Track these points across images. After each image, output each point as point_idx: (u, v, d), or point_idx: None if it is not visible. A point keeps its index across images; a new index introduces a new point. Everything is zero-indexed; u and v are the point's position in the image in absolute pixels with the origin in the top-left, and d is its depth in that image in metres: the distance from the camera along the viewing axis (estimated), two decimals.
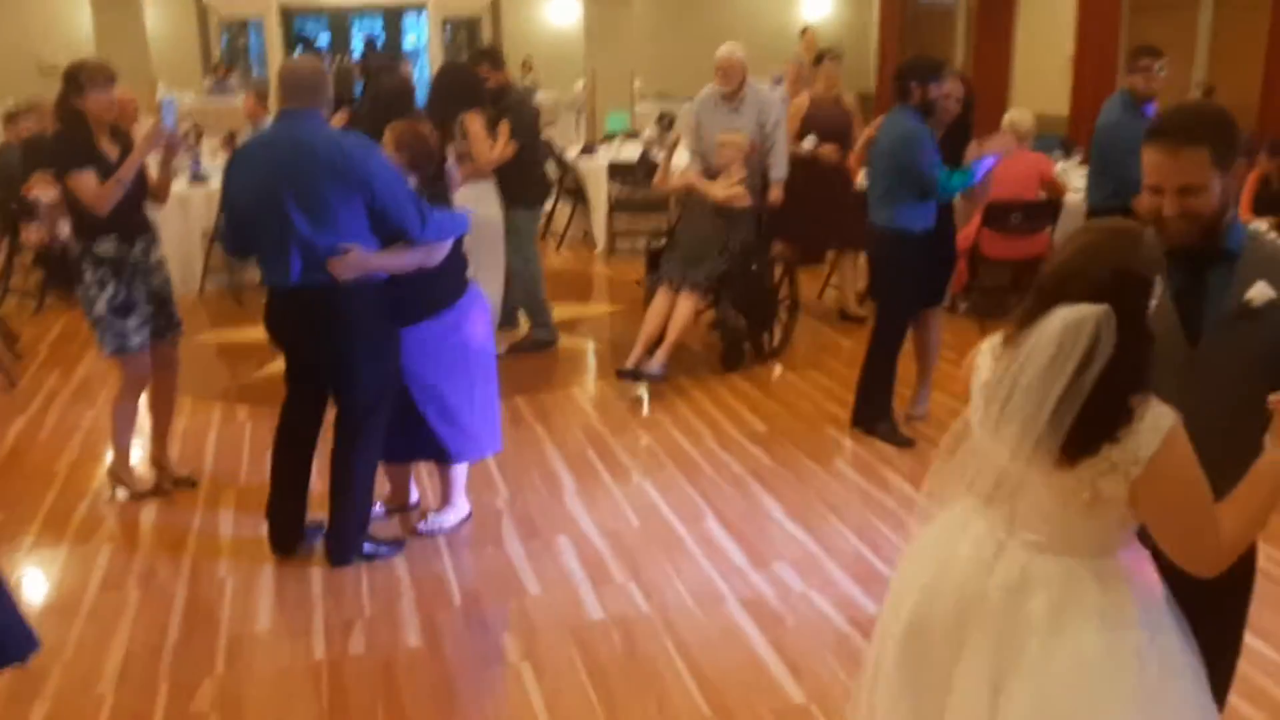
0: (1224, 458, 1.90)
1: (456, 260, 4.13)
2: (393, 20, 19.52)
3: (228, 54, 14.86)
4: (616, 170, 8.75)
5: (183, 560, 4.22)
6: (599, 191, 9.05)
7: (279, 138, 3.89)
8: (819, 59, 7.70)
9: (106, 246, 4.42)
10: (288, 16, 17.09)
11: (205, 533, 4.44)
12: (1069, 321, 1.83)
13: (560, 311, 7.41)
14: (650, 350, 5.87)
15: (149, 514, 4.60)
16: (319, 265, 3.79)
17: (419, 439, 4.19)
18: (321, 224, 3.76)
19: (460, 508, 4.43)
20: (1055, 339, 1.84)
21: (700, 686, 3.38)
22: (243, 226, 3.96)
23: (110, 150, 4.39)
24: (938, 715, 2.06)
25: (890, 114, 5.18)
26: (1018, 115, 7.14)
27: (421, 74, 17.16)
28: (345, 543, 4.10)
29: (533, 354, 6.56)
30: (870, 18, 14.70)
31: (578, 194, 9.50)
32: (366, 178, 3.74)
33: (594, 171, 9.10)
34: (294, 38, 16.05)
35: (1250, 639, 3.51)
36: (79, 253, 4.46)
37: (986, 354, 2.05)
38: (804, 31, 10.84)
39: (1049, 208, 6.96)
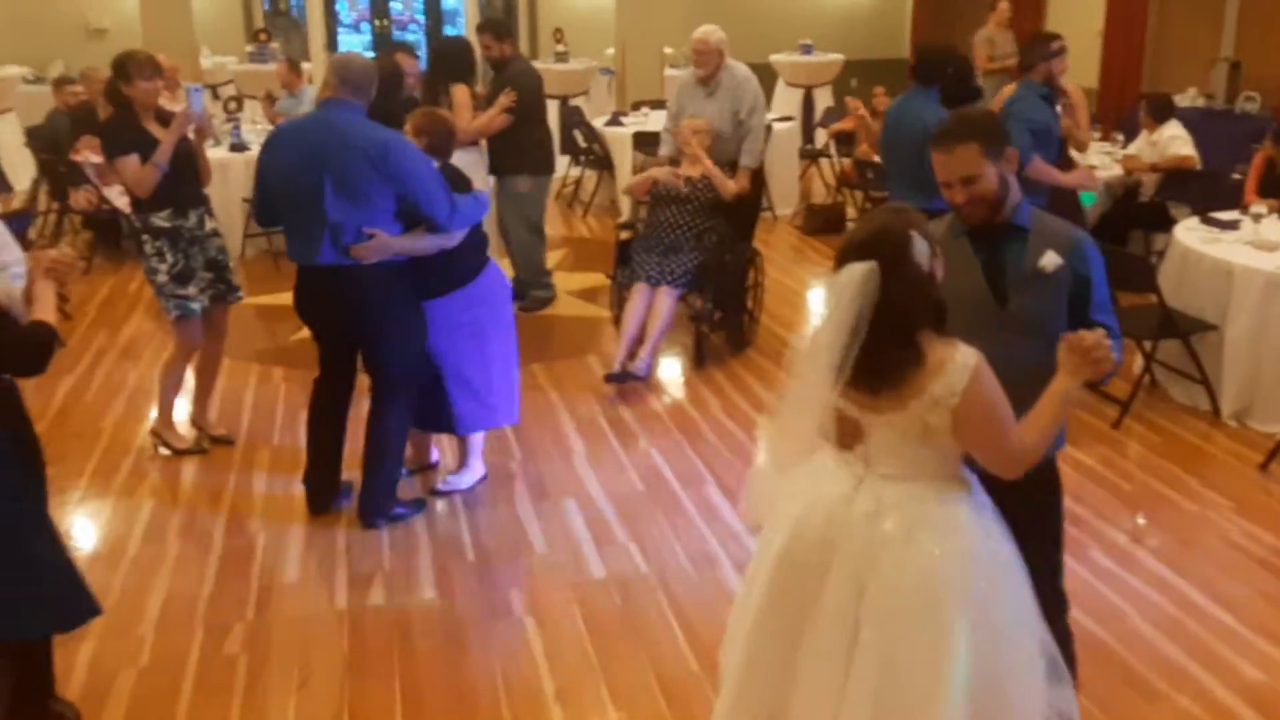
0: (1031, 392, 2.38)
1: (475, 239, 4.37)
2: None
3: (270, 20, 15.09)
4: (642, 139, 8.92)
5: (219, 515, 4.54)
6: (624, 160, 9.25)
7: (320, 124, 4.12)
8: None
9: (162, 218, 4.75)
10: None
11: (240, 489, 4.75)
12: (841, 278, 2.25)
13: (582, 280, 7.68)
14: (633, 351, 5.75)
15: (189, 471, 4.93)
16: (345, 247, 4.04)
17: (442, 410, 4.46)
18: (353, 209, 4.00)
19: (476, 469, 4.70)
20: (835, 293, 2.25)
21: (690, 643, 3.65)
22: (273, 202, 4.24)
23: (158, 132, 4.72)
24: (800, 629, 2.42)
25: (916, 96, 5.33)
26: None
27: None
28: (375, 507, 4.39)
29: (534, 312, 6.90)
30: None
31: (604, 162, 9.70)
32: (402, 172, 3.99)
33: (619, 140, 9.29)
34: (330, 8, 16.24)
35: (1214, 608, 3.75)
36: (138, 226, 4.81)
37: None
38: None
39: None
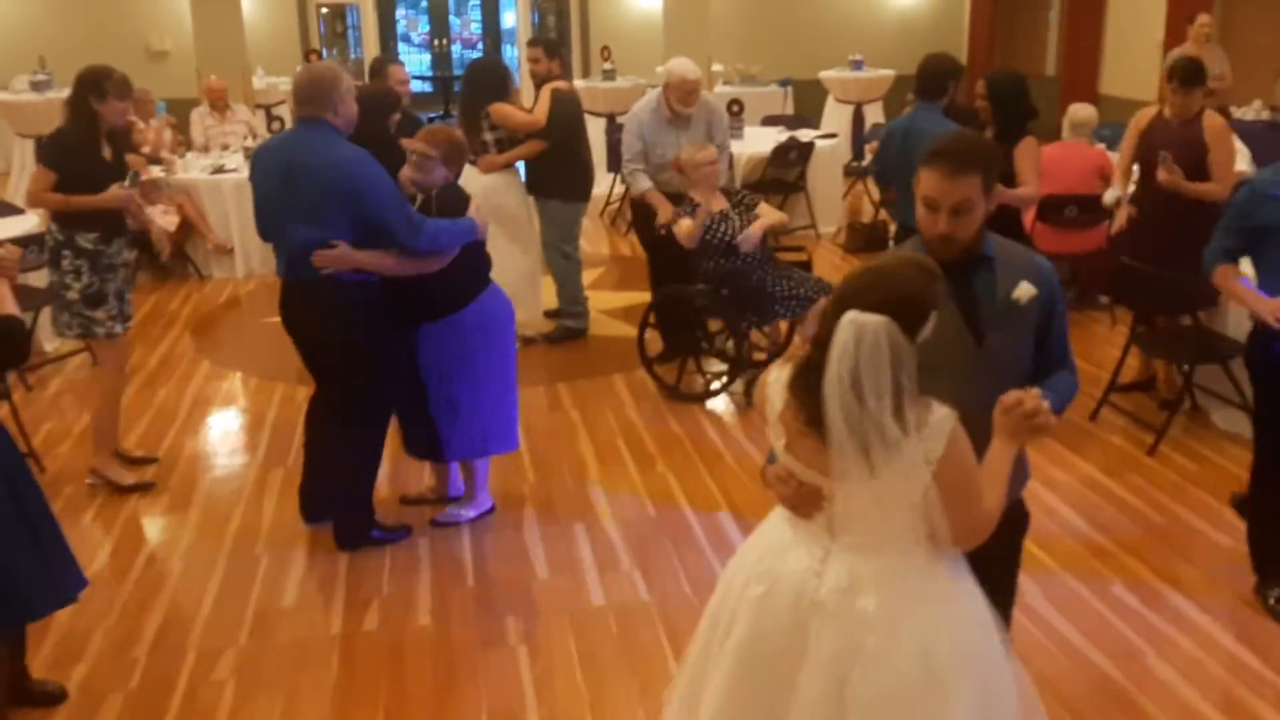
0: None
1: (471, 263, 4.27)
2: (490, 3, 19.85)
3: (326, 39, 15.31)
4: None
5: (225, 536, 4.53)
6: None
7: (287, 141, 4.18)
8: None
9: (88, 240, 4.66)
10: (387, 1, 17.51)
11: (249, 511, 4.74)
12: (860, 326, 2.02)
13: (621, 299, 7.62)
14: None
15: (201, 492, 4.93)
16: (308, 262, 4.00)
17: (432, 436, 4.39)
18: (312, 227, 3.96)
19: (481, 502, 4.60)
20: (851, 342, 2.02)
21: None
22: (258, 217, 4.26)
23: (106, 152, 4.75)
24: (783, 717, 2.22)
25: (925, 112, 5.20)
26: (1076, 109, 7.06)
27: (510, 58, 17.47)
28: (347, 529, 4.36)
29: (564, 342, 6.77)
30: (962, 2, 14.48)
31: None
32: (355, 190, 3.93)
33: None
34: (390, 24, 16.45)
35: (1239, 649, 3.56)
36: (60, 239, 4.69)
37: (776, 385, 2.25)
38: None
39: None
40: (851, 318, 2.03)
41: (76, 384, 6.28)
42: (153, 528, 4.62)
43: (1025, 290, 2.48)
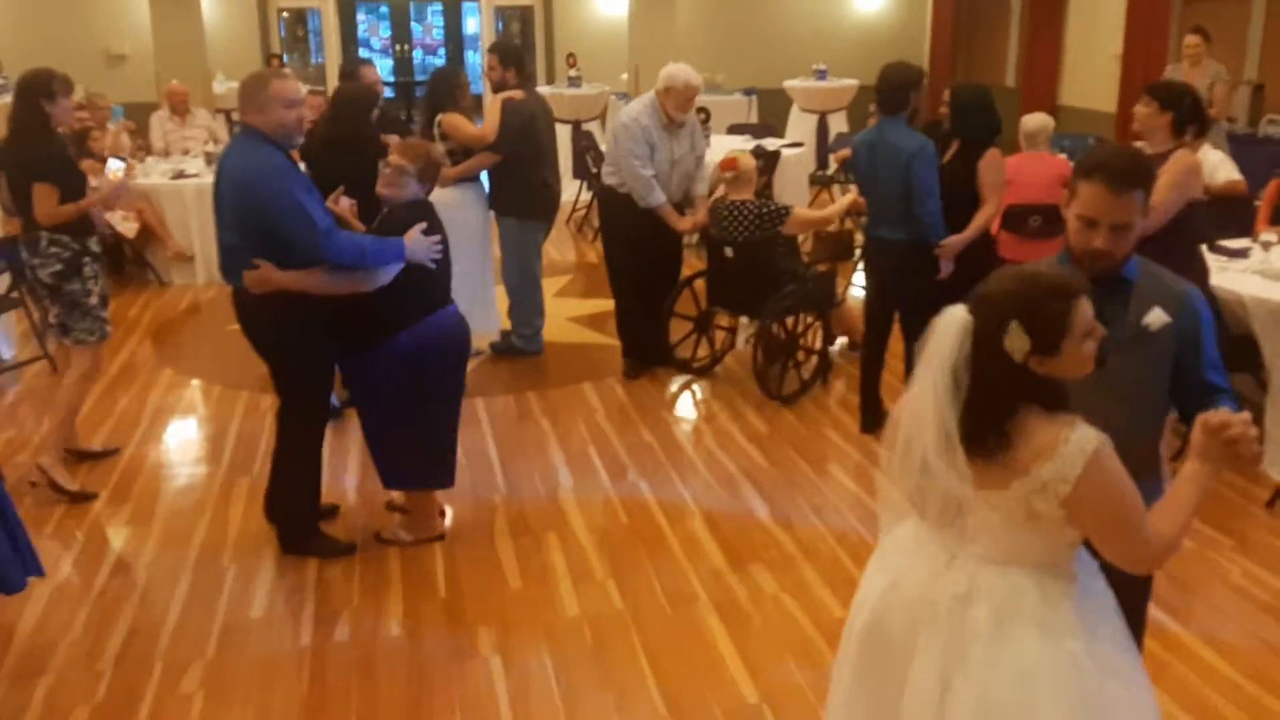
0: (1129, 461, 2.11)
1: (410, 287, 4.07)
2: (453, 9, 19.76)
3: (287, 43, 15.19)
4: None
5: (191, 547, 4.45)
6: None
7: (225, 150, 4.23)
8: None
9: (94, 244, 4.90)
10: (348, 6, 17.40)
11: (215, 521, 4.67)
12: (943, 322, 2.07)
13: (589, 306, 7.60)
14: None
15: (164, 502, 4.85)
16: (234, 267, 4.01)
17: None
18: (235, 235, 3.99)
19: (426, 528, 4.46)
20: (936, 337, 2.07)
21: (659, 684, 3.52)
22: None
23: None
24: (894, 711, 2.23)
25: (889, 125, 5.22)
26: (1028, 119, 7.09)
27: (473, 65, 17.40)
28: (287, 533, 4.38)
29: (510, 356, 6.61)
30: (924, 13, 14.60)
31: None
32: (259, 202, 3.89)
33: None
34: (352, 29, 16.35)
35: (1208, 653, 3.59)
36: (77, 249, 4.79)
37: None
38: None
39: None
40: (950, 311, 2.07)
41: (35, 392, 6.17)
42: (116, 538, 4.53)
43: (1156, 317, 2.40)
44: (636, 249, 6.09)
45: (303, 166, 4.42)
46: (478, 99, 10.74)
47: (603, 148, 9.90)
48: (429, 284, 4.13)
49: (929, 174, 5.01)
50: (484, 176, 6.45)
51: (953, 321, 2.07)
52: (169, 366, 6.62)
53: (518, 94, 6.26)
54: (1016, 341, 2.02)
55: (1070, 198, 2.43)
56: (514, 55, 6.50)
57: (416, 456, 4.30)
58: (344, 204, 4.44)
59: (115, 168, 5.65)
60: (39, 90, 4.65)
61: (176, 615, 3.97)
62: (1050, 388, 2.07)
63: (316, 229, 3.87)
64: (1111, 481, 2.02)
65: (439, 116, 6.10)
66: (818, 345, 6.12)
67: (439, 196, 6.33)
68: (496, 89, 6.39)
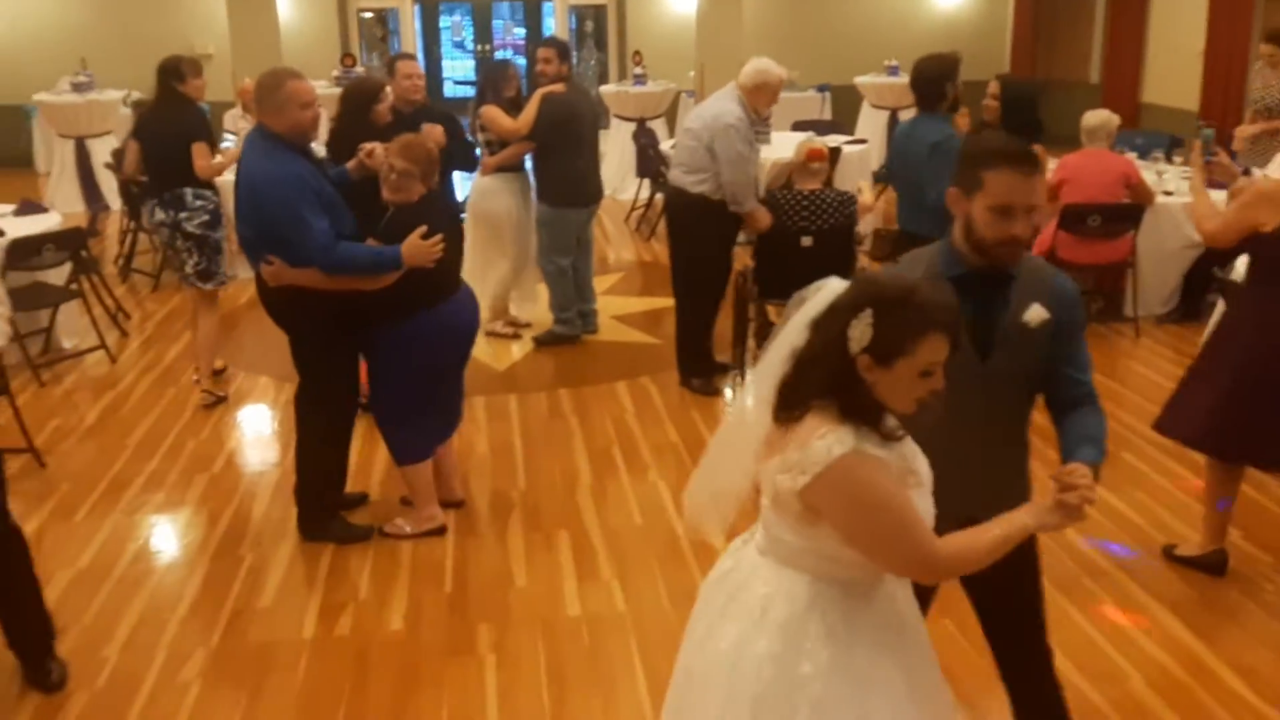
0: (1009, 450, 2.29)
1: (420, 278, 4.09)
2: (534, 8, 19.90)
3: (367, 43, 15.43)
4: None
5: (213, 535, 4.53)
6: None
7: (243, 148, 4.31)
8: None
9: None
10: (432, 6, 17.60)
11: (241, 510, 4.75)
12: (829, 284, 2.07)
13: (634, 305, 7.58)
14: None
15: (195, 490, 4.94)
16: (253, 256, 4.16)
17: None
18: (249, 229, 4.12)
19: (426, 519, 4.47)
20: (816, 295, 2.07)
21: (650, 689, 3.48)
22: None
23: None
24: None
25: (922, 119, 5.10)
26: (1089, 115, 6.88)
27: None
28: (302, 517, 4.47)
29: (554, 346, 6.70)
30: (1005, 7, 14.27)
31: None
32: (257, 205, 4.02)
33: None
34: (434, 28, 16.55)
35: (1230, 676, 3.43)
36: (217, 203, 5.99)
37: None
38: None
39: (1131, 211, 6.70)
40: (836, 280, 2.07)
41: (94, 381, 6.34)
42: (142, 525, 4.63)
43: (1036, 313, 2.40)
44: (712, 251, 5.96)
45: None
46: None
47: (663, 146, 9.86)
48: (438, 274, 4.18)
49: (942, 165, 4.86)
50: (529, 166, 6.61)
51: (834, 288, 2.05)
52: (221, 358, 6.73)
53: (558, 88, 6.31)
54: (858, 330, 1.96)
55: (969, 193, 2.36)
56: (565, 49, 6.62)
57: (426, 432, 4.40)
58: (378, 153, 4.35)
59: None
60: (170, 74, 5.81)
61: (188, 603, 4.04)
62: (860, 397, 1.99)
63: (315, 242, 3.97)
64: (858, 491, 1.96)
65: (481, 111, 6.20)
66: None
67: (478, 185, 6.52)
68: (552, 82, 6.41)
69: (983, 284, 2.39)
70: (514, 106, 6.39)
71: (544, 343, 6.72)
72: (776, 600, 2.10)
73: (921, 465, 2.09)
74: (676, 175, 5.87)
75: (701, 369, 6.03)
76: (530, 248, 6.69)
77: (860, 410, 1.99)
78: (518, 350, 6.71)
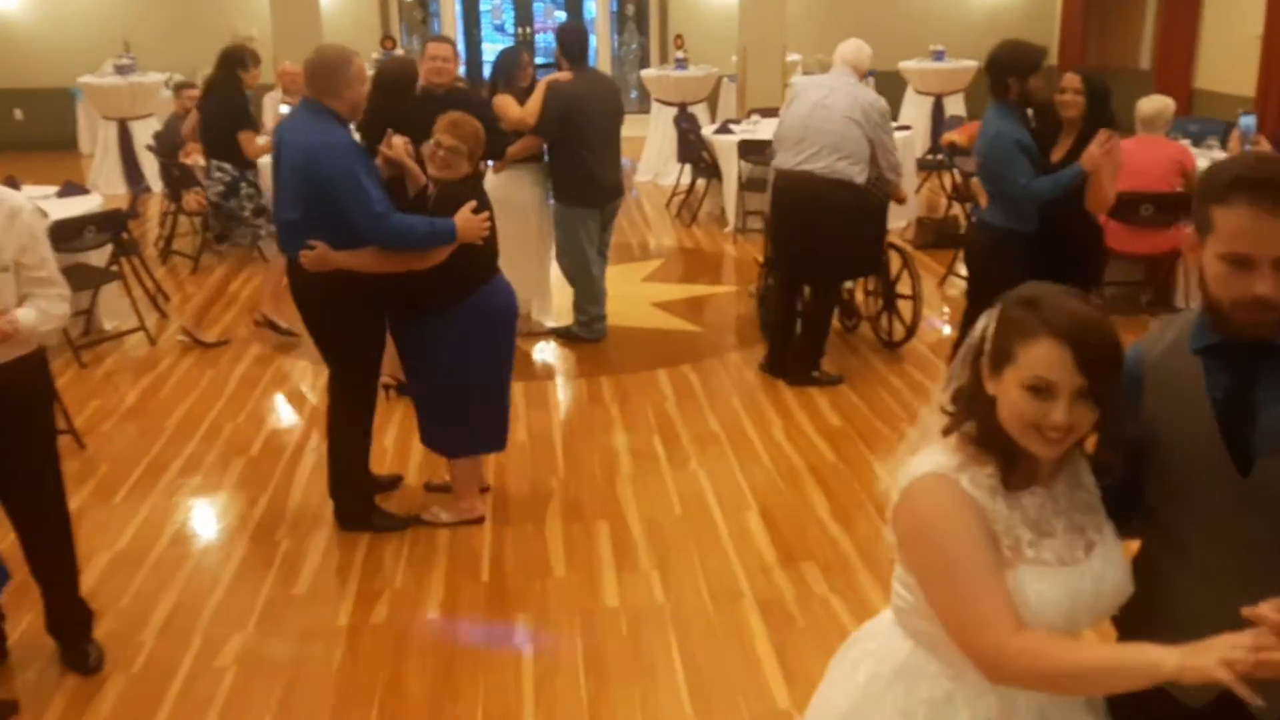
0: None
1: (461, 262, 4.04)
2: None
3: (406, 26, 15.39)
4: (748, 148, 8.68)
5: (250, 520, 4.51)
6: (730, 169, 9.02)
7: (286, 124, 4.26)
8: None
9: (252, 174, 6.65)
10: None
11: (277, 495, 4.72)
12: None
13: (675, 292, 7.49)
14: None
15: (231, 475, 4.93)
16: (292, 243, 4.04)
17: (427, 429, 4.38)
18: (292, 209, 4.02)
19: (464, 508, 4.42)
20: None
21: (689, 683, 3.42)
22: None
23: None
24: None
25: (991, 109, 4.98)
26: (1144, 102, 6.71)
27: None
28: (340, 507, 4.41)
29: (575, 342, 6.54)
30: None
31: (713, 170, 9.48)
32: (321, 177, 3.91)
33: (726, 148, 9.05)
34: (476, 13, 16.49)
35: None
36: (235, 176, 6.56)
37: None
38: None
39: (1183, 200, 6.54)
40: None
41: (134, 362, 6.34)
42: (180, 509, 4.62)
43: None
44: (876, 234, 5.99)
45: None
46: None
47: (704, 131, 9.75)
48: (480, 258, 4.13)
49: (1000, 158, 4.75)
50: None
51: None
52: (259, 341, 6.73)
53: (564, 76, 6.17)
54: (982, 326, 1.73)
55: (1202, 236, 1.71)
56: (567, 37, 6.41)
57: (468, 424, 4.31)
58: (397, 143, 4.30)
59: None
60: (235, 61, 6.36)
61: (223, 589, 4.01)
62: (988, 418, 1.68)
63: (374, 210, 3.90)
64: (919, 521, 1.68)
65: (494, 100, 6.07)
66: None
67: (492, 179, 6.39)
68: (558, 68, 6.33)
69: (1242, 359, 1.71)
70: (529, 95, 6.25)
71: (560, 335, 6.60)
72: (870, 658, 1.88)
73: (1062, 548, 1.69)
74: (842, 166, 5.49)
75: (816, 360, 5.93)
76: (548, 244, 6.53)
77: (988, 438, 1.69)
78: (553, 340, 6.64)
